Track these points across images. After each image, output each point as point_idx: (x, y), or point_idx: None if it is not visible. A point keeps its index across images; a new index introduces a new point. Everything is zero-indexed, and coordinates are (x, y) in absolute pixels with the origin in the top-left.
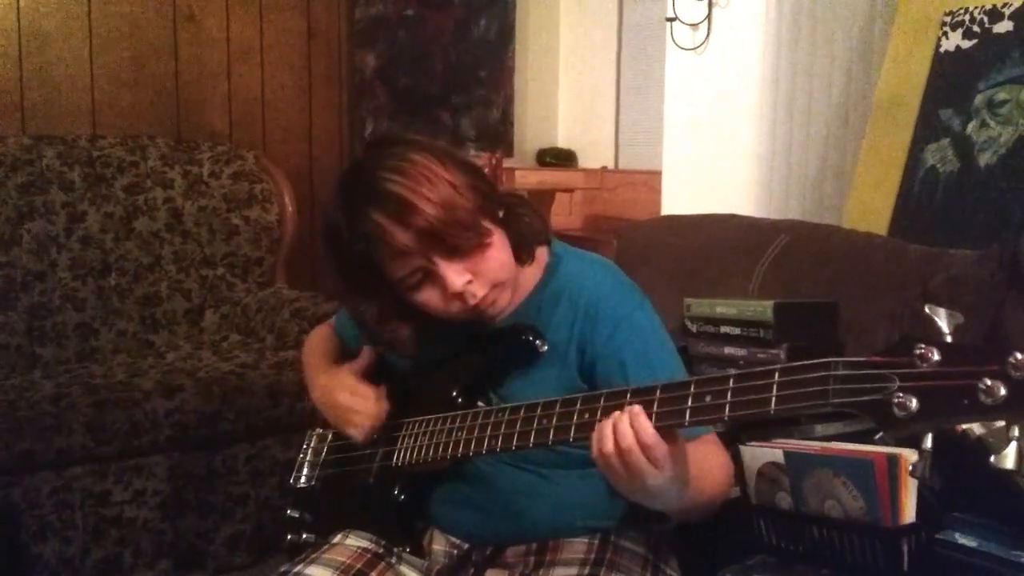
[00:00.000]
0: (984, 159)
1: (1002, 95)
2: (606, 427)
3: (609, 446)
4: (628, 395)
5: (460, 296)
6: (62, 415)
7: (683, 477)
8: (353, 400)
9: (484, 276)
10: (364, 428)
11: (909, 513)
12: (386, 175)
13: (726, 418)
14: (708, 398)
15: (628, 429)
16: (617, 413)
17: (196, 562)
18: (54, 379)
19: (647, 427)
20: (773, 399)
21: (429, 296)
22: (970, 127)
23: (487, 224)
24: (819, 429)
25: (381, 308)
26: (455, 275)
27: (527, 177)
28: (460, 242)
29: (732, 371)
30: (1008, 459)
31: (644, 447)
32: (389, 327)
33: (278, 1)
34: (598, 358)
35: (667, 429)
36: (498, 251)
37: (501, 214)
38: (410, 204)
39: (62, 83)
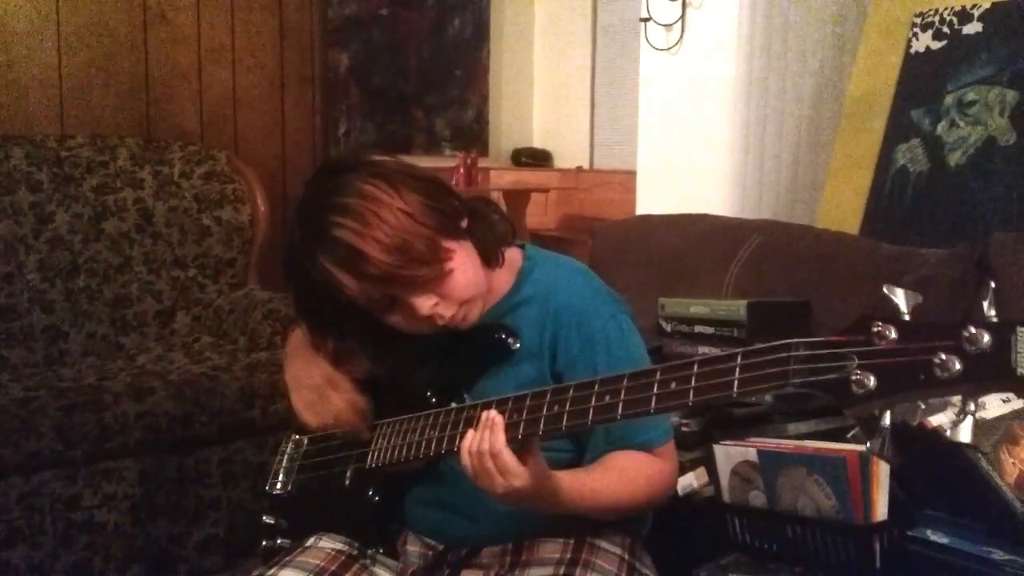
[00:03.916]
0: (954, 159)
1: (971, 95)
2: (470, 431)
3: (465, 443)
4: (596, 385)
5: (428, 319)
6: (30, 418)
7: (536, 490)
8: (327, 387)
9: (450, 297)
10: (319, 419)
11: (881, 511)
12: (334, 218)
13: (690, 403)
14: (673, 384)
15: (485, 435)
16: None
17: (168, 567)
18: (22, 382)
19: (499, 437)
20: (736, 382)
21: (397, 319)
22: (940, 127)
23: (449, 244)
24: (792, 427)
25: (344, 340)
26: (420, 301)
27: (502, 177)
28: (417, 278)
29: (697, 357)
30: (963, 432)
31: (492, 454)
32: (352, 359)
33: (250, 0)
34: (569, 367)
35: (526, 444)
36: (463, 271)
37: (465, 223)
38: (359, 253)
39: (30, 82)
